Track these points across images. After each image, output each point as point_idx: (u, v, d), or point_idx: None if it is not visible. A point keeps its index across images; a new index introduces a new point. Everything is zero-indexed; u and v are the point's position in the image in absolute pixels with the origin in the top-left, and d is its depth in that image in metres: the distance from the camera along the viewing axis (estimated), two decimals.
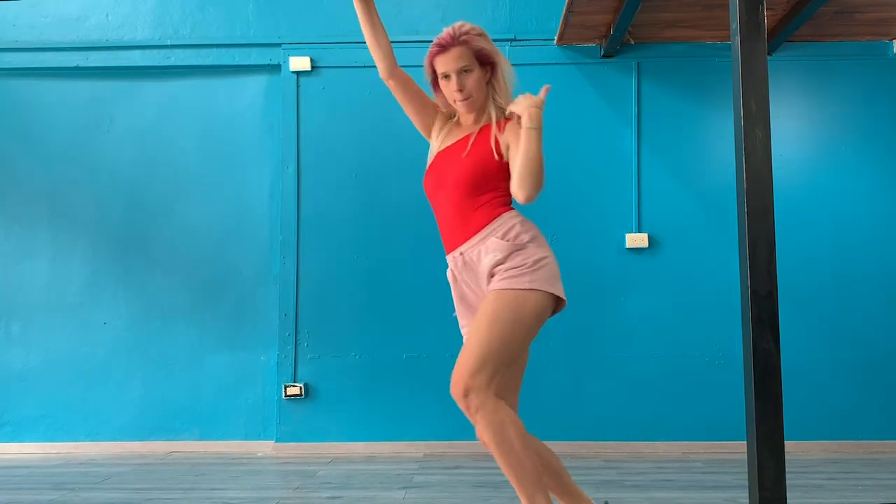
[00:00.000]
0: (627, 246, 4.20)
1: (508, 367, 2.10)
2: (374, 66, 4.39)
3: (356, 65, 4.28)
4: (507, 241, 2.09)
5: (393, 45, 2.26)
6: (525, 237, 2.10)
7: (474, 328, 2.05)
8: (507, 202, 2.16)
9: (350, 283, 4.26)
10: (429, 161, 2.28)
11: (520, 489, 2.03)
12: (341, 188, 4.29)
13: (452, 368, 2.03)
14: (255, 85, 4.45)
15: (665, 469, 3.64)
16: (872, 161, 4.25)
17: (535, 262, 2.07)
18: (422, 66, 2.21)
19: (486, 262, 2.10)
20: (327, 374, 4.21)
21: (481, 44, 2.18)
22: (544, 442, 2.20)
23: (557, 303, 2.12)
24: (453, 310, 2.23)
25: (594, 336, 4.17)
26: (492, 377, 2.00)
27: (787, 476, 1.84)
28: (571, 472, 2.25)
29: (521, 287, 2.03)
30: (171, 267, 4.35)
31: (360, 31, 2.28)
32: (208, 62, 4.41)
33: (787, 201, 4.13)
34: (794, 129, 4.28)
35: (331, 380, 4.20)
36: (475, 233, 2.13)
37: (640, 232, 4.22)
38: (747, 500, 1.88)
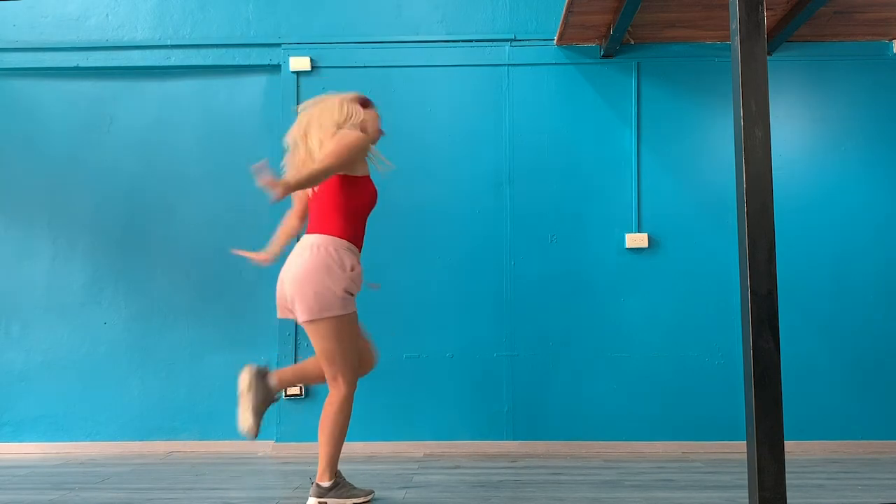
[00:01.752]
0: (627, 246, 4.21)
1: None
2: (375, 67, 4.39)
3: (356, 65, 4.27)
4: None
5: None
6: None
7: None
8: None
9: None
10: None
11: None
12: None
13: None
14: (255, 85, 4.45)
15: (665, 469, 3.64)
16: (872, 161, 4.26)
17: None
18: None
19: None
20: None
21: None
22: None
23: None
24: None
25: (594, 336, 4.17)
26: None
27: (787, 476, 1.85)
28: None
29: None
30: (170, 267, 4.35)
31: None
32: (208, 62, 4.41)
33: (787, 201, 4.14)
34: (794, 129, 4.28)
35: None
36: None
37: (640, 232, 4.22)
38: (747, 500, 1.88)
